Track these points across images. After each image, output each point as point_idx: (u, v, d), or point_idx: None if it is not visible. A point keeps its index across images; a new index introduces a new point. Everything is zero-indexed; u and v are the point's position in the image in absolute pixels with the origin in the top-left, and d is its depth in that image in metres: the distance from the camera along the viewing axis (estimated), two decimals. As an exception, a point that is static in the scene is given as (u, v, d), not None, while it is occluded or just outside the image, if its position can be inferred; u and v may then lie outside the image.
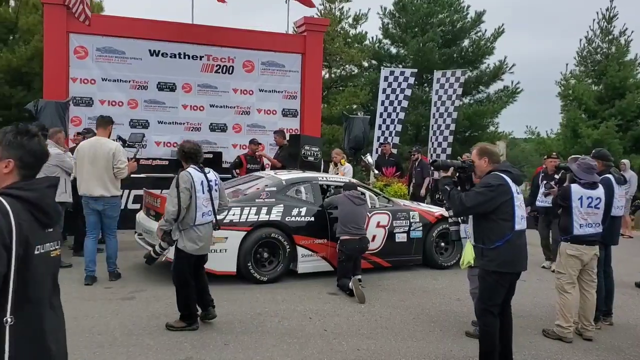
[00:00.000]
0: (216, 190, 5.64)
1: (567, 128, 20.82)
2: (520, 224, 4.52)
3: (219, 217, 5.84)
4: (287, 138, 11.65)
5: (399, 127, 16.20)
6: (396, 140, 16.08)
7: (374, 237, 8.12)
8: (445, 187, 4.74)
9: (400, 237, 8.42)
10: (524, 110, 33.64)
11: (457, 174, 4.89)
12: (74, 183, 8.17)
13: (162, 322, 5.48)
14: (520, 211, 4.54)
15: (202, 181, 5.47)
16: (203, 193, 5.46)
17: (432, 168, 11.93)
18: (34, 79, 16.09)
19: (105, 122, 7.50)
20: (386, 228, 8.28)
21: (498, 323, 4.57)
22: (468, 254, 4.96)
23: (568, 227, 5.70)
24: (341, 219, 7.34)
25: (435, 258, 8.69)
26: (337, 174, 10.91)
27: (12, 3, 17.67)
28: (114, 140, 7.65)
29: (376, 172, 12.53)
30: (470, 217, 4.79)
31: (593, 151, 6.49)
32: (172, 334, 5.37)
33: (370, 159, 13.19)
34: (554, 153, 10.08)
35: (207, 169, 5.64)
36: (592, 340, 5.76)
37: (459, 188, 4.79)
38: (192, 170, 5.47)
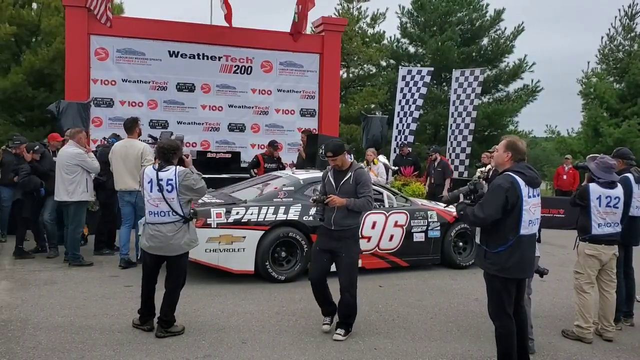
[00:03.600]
0: (169, 192, 5.21)
1: (589, 127, 20.57)
2: (527, 228, 4.39)
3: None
4: None
5: (413, 126, 16.16)
6: (411, 139, 16.05)
7: (391, 236, 8.12)
8: (460, 212, 4.70)
9: (418, 237, 8.39)
10: (544, 109, 33.29)
11: (471, 196, 4.78)
12: (96, 182, 8.37)
13: (180, 320, 5.54)
14: (529, 215, 4.39)
15: (150, 179, 5.27)
16: (151, 191, 5.26)
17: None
18: (56, 80, 16.33)
19: (130, 127, 8.19)
20: (404, 227, 8.26)
21: (513, 324, 4.52)
22: None
23: (586, 227, 5.64)
24: None
25: (454, 258, 8.65)
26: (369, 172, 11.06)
27: (34, 6, 17.94)
28: (146, 139, 8.59)
29: (394, 168, 12.54)
30: None
31: (614, 150, 6.42)
32: (191, 333, 5.42)
33: (383, 158, 13.23)
34: None
35: (168, 167, 5.29)
36: (612, 341, 5.69)
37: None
38: (149, 167, 5.45)
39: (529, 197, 4.40)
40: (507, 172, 4.47)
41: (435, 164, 12.72)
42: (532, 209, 4.42)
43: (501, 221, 4.39)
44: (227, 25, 12.85)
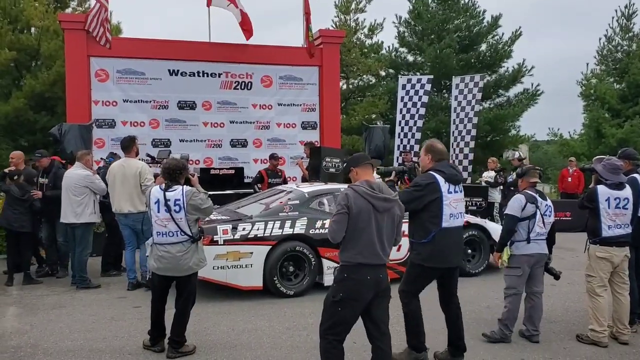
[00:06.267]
0: (177, 212, 5.19)
1: (591, 128, 20.54)
2: (448, 221, 4.83)
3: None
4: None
5: (418, 135, 16.15)
6: (416, 148, 16.02)
7: (399, 245, 8.05)
8: None
9: (426, 246, 8.33)
10: (546, 112, 33.31)
11: (405, 176, 5.34)
12: (101, 204, 8.33)
13: (191, 339, 5.49)
14: (450, 209, 4.83)
15: (157, 200, 5.23)
16: (158, 212, 5.21)
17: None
18: (57, 103, 16.38)
19: (127, 146, 8.04)
20: (411, 237, 8.21)
21: (419, 305, 5.08)
22: (504, 254, 5.67)
23: (596, 229, 5.60)
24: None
25: (463, 265, 8.58)
26: None
27: (33, 30, 18.06)
28: (143, 159, 8.39)
29: (393, 178, 12.52)
30: None
31: (619, 151, 6.39)
32: (203, 352, 5.38)
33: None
34: None
35: (175, 187, 5.27)
36: (628, 344, 5.64)
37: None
38: (155, 187, 5.42)
39: (449, 192, 4.84)
40: (428, 171, 4.91)
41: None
42: (453, 204, 4.87)
43: (422, 214, 4.86)
44: (225, 42, 12.93)
